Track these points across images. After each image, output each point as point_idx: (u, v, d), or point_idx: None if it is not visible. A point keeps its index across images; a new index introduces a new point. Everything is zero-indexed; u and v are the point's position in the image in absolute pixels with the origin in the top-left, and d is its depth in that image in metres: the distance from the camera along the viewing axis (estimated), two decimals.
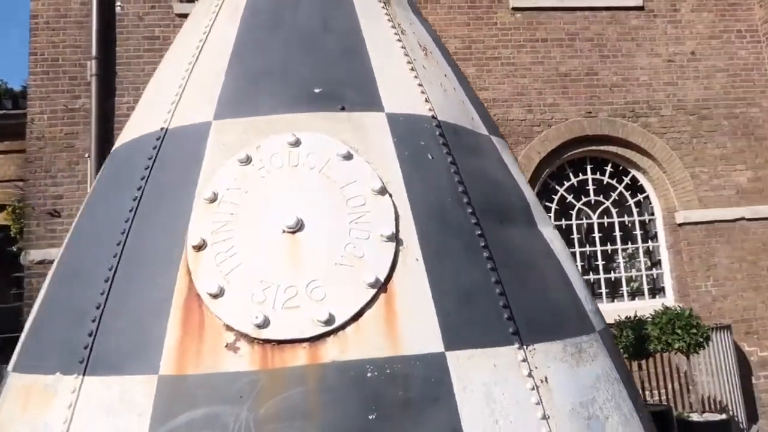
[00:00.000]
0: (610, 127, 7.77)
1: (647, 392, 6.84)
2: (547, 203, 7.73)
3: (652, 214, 8.03)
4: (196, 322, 1.65)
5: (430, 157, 2.00)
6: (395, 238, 1.76)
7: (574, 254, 7.38)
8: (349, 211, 1.79)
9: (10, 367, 2.04)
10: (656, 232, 7.94)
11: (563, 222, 7.78)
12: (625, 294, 7.78)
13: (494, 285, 1.81)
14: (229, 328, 1.62)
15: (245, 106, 2.02)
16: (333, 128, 1.95)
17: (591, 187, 7.95)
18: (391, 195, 1.84)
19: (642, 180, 8.09)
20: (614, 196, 7.99)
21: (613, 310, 6.72)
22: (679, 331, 5.88)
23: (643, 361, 6.59)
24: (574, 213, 7.86)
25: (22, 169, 7.51)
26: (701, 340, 5.93)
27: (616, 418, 1.86)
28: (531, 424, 1.63)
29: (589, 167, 8.01)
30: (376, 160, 1.91)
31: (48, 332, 1.91)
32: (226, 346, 1.60)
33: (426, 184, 1.92)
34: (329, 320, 1.60)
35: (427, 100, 2.15)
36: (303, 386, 1.55)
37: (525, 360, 1.73)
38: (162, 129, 2.07)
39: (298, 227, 1.73)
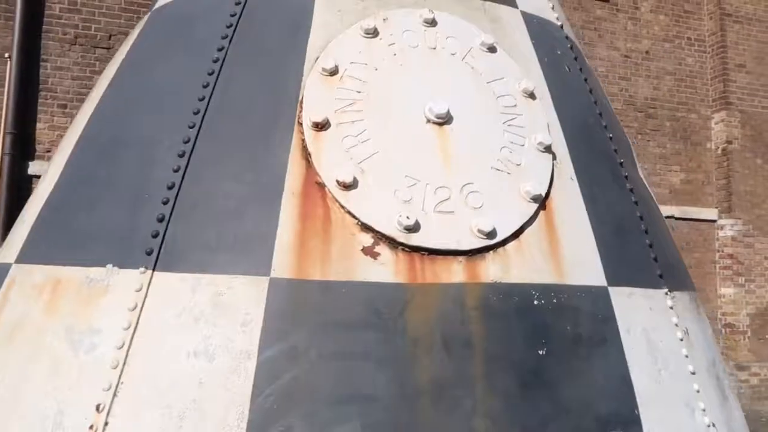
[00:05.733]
0: None
1: None
2: None
3: None
4: (320, 217, 1.28)
5: (567, 69, 1.73)
6: (551, 150, 1.48)
7: None
8: (501, 110, 1.48)
9: (6, 258, 1.55)
10: None
11: None
12: None
13: (639, 220, 1.59)
14: (365, 227, 1.27)
15: None
16: (469, 14, 1.62)
17: None
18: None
19: None
20: None
21: None
22: None
23: None
24: None
25: None
26: None
27: (727, 381, 1.72)
28: (685, 378, 1.44)
29: None
30: (518, 60, 1.61)
31: (82, 215, 1.44)
32: (362, 249, 1.25)
33: (570, 97, 1.65)
34: (491, 233, 1.30)
35: (553, 8, 1.87)
36: (461, 308, 1.24)
37: (672, 308, 1.53)
38: None
39: (446, 118, 1.40)
